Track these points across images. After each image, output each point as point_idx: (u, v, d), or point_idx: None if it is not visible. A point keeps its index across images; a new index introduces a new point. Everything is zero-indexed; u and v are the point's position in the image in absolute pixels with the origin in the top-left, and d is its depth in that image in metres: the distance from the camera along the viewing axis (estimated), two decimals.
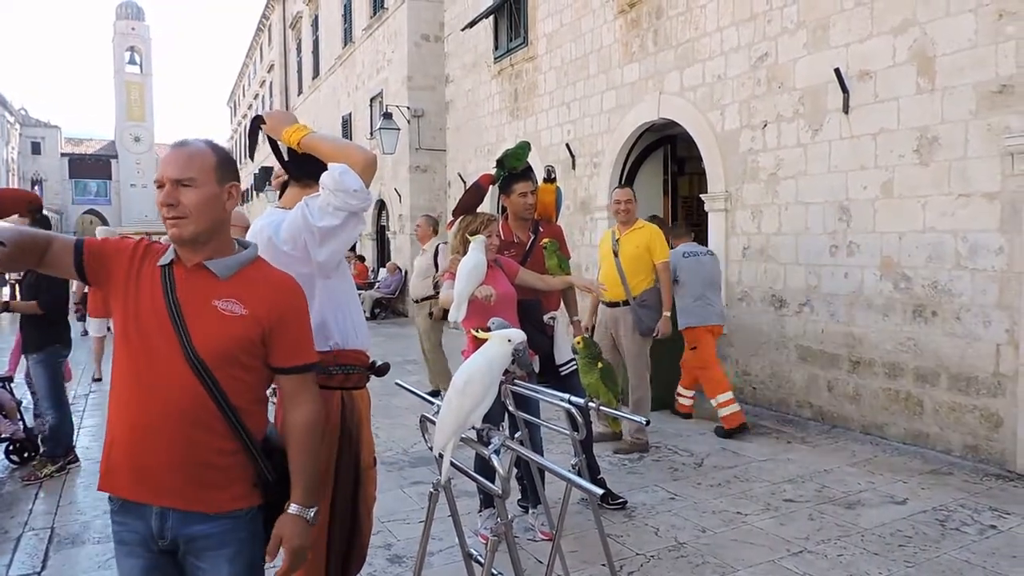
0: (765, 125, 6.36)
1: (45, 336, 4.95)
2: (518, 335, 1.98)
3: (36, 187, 55.29)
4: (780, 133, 6.22)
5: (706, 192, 7.14)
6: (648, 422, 2.52)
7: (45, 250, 1.74)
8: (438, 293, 6.96)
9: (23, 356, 5.21)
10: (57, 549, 3.75)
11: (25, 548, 3.78)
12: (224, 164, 1.74)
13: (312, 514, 1.77)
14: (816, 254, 5.93)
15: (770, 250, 6.39)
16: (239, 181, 1.78)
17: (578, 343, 2.82)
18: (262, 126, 2.27)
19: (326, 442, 2.21)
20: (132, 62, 59.03)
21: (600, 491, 1.80)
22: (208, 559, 1.70)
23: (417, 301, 7.28)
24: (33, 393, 5.72)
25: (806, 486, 4.43)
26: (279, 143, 2.28)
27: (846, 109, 5.58)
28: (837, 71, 5.55)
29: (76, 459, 5.21)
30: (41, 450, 5.44)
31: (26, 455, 5.37)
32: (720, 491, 4.37)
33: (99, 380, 8.41)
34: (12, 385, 5.54)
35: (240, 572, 1.72)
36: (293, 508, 1.74)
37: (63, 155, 57.19)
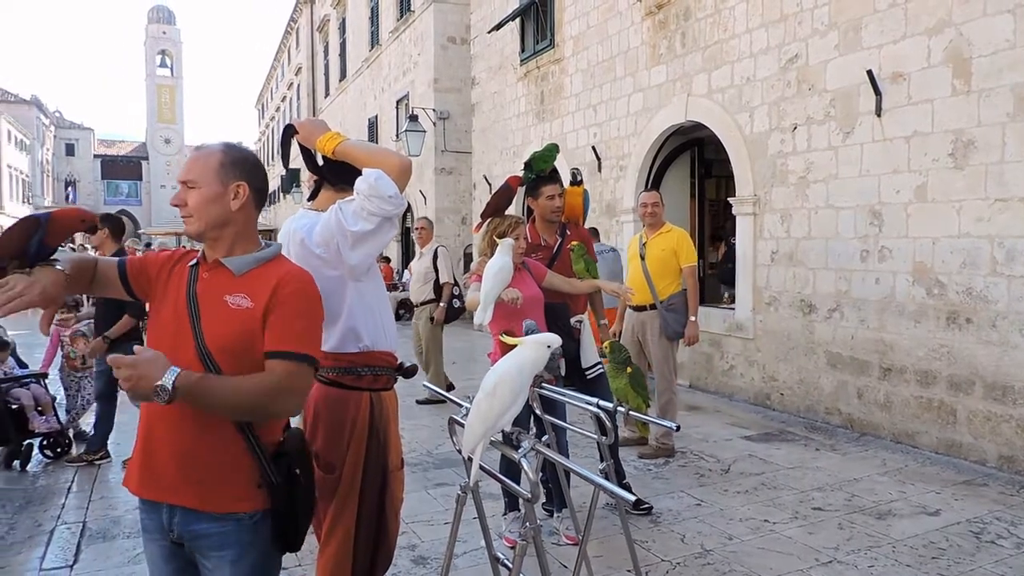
0: (795, 128, 6.28)
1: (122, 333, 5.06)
2: (556, 340, 1.97)
3: (70, 188, 56.47)
4: (810, 136, 6.14)
5: (734, 195, 7.07)
6: (678, 427, 2.50)
7: (93, 273, 1.84)
8: (438, 297, 7.03)
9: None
10: (88, 543, 3.81)
11: (58, 542, 3.84)
12: (231, 165, 1.76)
13: (165, 383, 1.50)
14: (847, 259, 5.84)
15: (799, 254, 6.31)
16: (249, 181, 1.77)
17: (606, 348, 2.80)
18: (295, 136, 2.29)
19: (354, 443, 2.22)
20: (163, 65, 60.07)
21: (632, 498, 1.78)
22: (211, 559, 1.73)
23: (417, 305, 7.20)
24: (66, 389, 5.84)
25: (835, 495, 4.36)
26: (312, 150, 2.29)
27: (879, 111, 5.50)
28: (869, 73, 5.47)
29: (108, 455, 5.29)
30: (73, 445, 5.58)
31: (59, 450, 5.47)
32: (747, 498, 4.32)
33: None
34: (47, 381, 5.64)
35: (244, 574, 1.72)
36: (175, 367, 1.53)
37: (96, 156, 58.34)
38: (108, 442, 5.33)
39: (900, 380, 5.43)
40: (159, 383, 1.50)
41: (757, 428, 5.99)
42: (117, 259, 1.87)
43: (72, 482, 4.88)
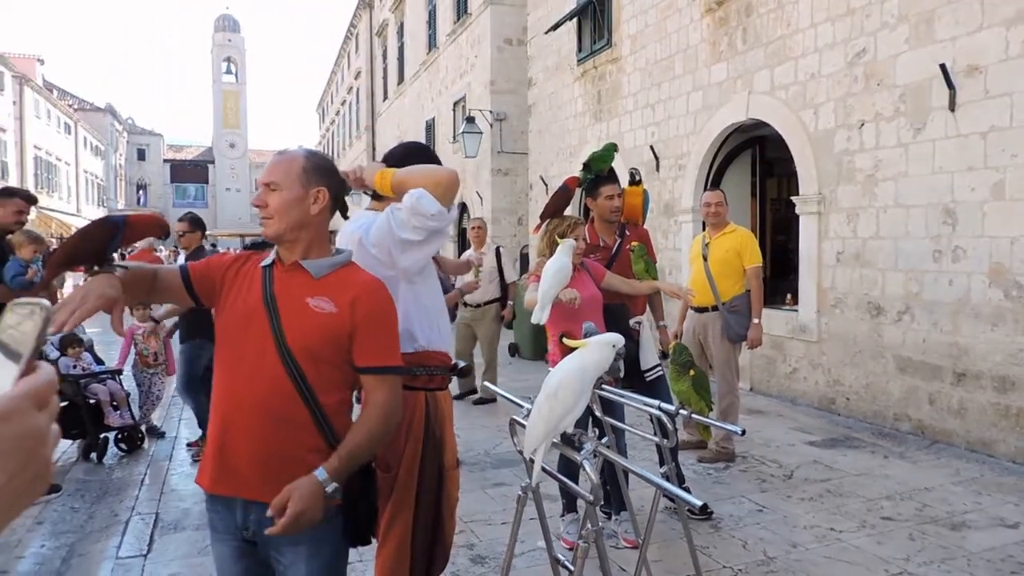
0: (862, 124, 6.09)
1: (191, 330, 5.27)
2: (620, 340, 1.96)
3: (141, 191, 58.75)
4: (879, 132, 5.94)
5: (797, 194, 6.90)
6: (743, 432, 2.44)
7: (152, 281, 1.87)
8: (504, 296, 7.03)
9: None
10: (161, 534, 3.96)
11: (133, 531, 4.00)
12: (312, 170, 1.81)
13: (332, 488, 1.65)
14: (918, 259, 5.63)
15: (867, 255, 6.11)
16: (329, 187, 1.82)
17: (671, 349, 2.76)
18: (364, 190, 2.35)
19: (410, 443, 2.25)
20: (228, 72, 61.84)
21: (699, 502, 1.75)
22: (286, 554, 1.75)
23: (479, 305, 7.04)
24: (139, 385, 6.08)
25: (905, 504, 4.20)
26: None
27: (952, 106, 5.28)
28: (943, 66, 5.26)
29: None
30: (145, 439, 5.80)
31: (133, 444, 5.69)
32: (812, 505, 4.21)
33: None
34: (121, 378, 5.88)
35: (318, 569, 1.75)
36: (318, 471, 1.65)
37: (165, 161, 60.53)
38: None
39: (975, 386, 5.21)
40: (327, 494, 1.64)
41: (821, 433, 5.82)
42: (179, 266, 1.90)
43: (145, 475, 5.08)
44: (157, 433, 6.07)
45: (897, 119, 5.77)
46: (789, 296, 7.58)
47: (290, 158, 1.83)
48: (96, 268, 1.73)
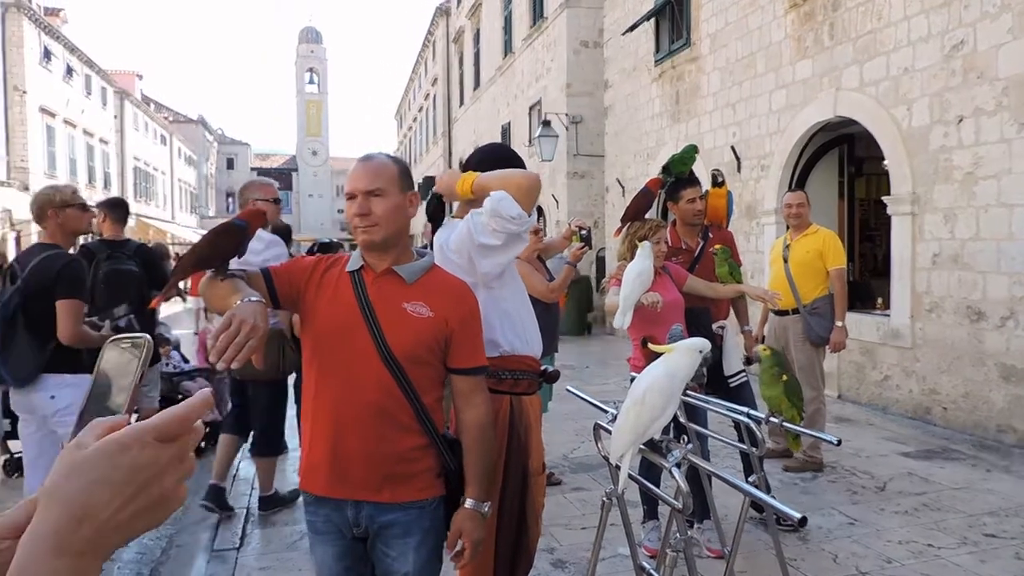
0: (961, 120, 5.78)
1: None
2: (707, 345, 1.92)
3: (230, 199, 61.35)
4: (979, 128, 5.63)
5: (888, 194, 6.61)
6: (839, 442, 2.35)
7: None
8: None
9: None
10: (253, 528, 4.12)
11: (226, 525, 4.17)
12: (405, 175, 1.87)
13: (486, 508, 1.84)
14: (1023, 262, 5.30)
15: (965, 257, 5.79)
16: (416, 191, 1.88)
17: (765, 352, 2.68)
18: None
19: (495, 445, 2.26)
20: (311, 82, 63.96)
21: (799, 515, 1.69)
22: (395, 546, 1.80)
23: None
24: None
25: (1011, 521, 3.96)
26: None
27: None
28: None
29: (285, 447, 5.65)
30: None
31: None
32: (907, 519, 4.01)
33: None
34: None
35: (424, 558, 1.82)
36: (469, 503, 1.81)
37: (252, 169, 63.03)
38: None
39: None
40: (484, 514, 1.83)
41: (916, 444, 5.55)
42: (260, 269, 1.88)
43: (236, 471, 5.27)
44: None
45: (999, 113, 5.45)
46: (880, 300, 7.27)
47: (385, 163, 1.84)
48: (218, 274, 1.79)
